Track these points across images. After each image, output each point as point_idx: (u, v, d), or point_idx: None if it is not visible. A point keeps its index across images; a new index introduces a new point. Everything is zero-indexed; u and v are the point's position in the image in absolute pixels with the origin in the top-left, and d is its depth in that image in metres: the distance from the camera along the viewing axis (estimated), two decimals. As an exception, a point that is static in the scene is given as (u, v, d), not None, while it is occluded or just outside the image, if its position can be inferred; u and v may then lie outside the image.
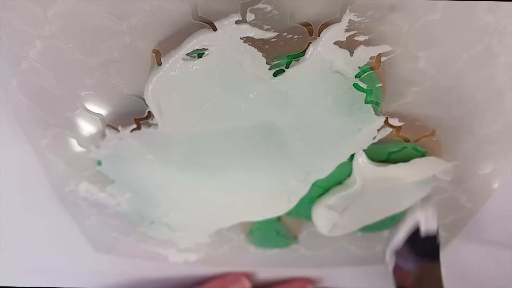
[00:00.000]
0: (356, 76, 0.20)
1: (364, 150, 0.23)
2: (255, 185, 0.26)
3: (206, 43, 0.18)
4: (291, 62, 0.19)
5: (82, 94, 0.22)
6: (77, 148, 0.25)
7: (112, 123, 0.23)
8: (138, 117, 0.22)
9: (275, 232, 0.30)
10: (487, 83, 0.21)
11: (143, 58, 0.20)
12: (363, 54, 0.19)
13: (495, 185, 0.27)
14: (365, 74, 0.20)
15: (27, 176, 0.27)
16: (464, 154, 0.24)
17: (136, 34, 0.19)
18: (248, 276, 0.34)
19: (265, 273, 0.35)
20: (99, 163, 0.25)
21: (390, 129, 0.22)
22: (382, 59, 0.19)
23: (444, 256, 0.33)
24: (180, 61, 0.19)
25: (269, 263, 0.34)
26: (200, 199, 0.27)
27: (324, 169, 0.24)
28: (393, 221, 0.28)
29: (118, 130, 0.23)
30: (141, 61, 0.20)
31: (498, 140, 0.24)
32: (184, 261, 0.34)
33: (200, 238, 0.31)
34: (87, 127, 0.23)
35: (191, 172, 0.25)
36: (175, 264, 0.34)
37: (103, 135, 0.23)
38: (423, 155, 0.24)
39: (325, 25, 0.18)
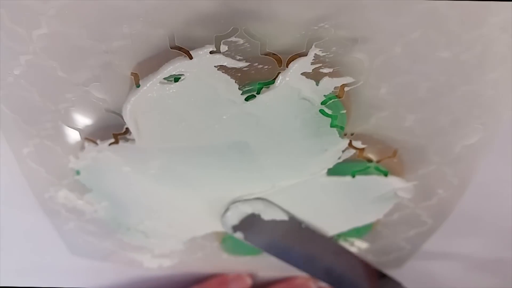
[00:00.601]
0: (322, 103, 0.21)
1: (330, 169, 0.25)
2: (227, 196, 0.27)
3: (182, 70, 0.19)
4: (262, 88, 0.20)
5: (63, 108, 0.23)
6: (57, 158, 0.26)
7: (91, 136, 0.24)
8: (117, 132, 0.23)
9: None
10: (447, 111, 0.22)
11: (122, 79, 0.21)
12: (328, 84, 0.20)
13: (456, 204, 0.29)
14: (331, 101, 0.21)
15: (10, 181, 0.28)
16: (424, 174, 0.26)
17: (115, 56, 0.20)
18: (250, 274, 0.34)
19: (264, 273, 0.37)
20: (78, 172, 0.26)
21: (354, 150, 0.24)
22: (346, 88, 0.20)
23: (409, 268, 0.35)
24: (158, 84, 0.20)
25: (267, 265, 0.35)
26: (174, 209, 0.28)
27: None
28: (358, 233, 0.30)
29: (96, 144, 0.24)
30: (120, 81, 0.21)
31: (459, 162, 0.25)
32: (158, 267, 0.35)
33: (174, 245, 0.32)
34: (67, 139, 0.24)
35: (166, 184, 0.26)
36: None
37: (82, 147, 0.24)
38: (385, 174, 0.25)
39: (293, 57, 0.19)
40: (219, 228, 0.30)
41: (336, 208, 0.27)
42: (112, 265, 0.35)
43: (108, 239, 0.32)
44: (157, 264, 0.34)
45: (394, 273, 0.35)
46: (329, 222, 0.29)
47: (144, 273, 0.36)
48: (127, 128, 0.23)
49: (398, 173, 0.25)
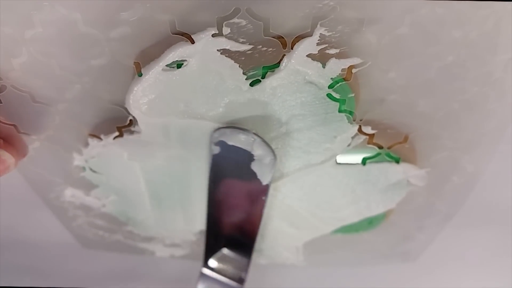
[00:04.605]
0: (329, 87, 0.20)
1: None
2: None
3: (185, 55, 0.19)
4: (266, 72, 0.20)
5: (63, 106, 0.22)
6: (59, 158, 0.25)
7: (95, 132, 0.23)
8: (120, 125, 0.23)
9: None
10: (458, 93, 0.22)
11: (123, 69, 0.20)
12: (335, 66, 0.20)
13: (471, 192, 0.28)
14: (338, 84, 0.20)
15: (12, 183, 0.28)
16: (437, 160, 0.25)
17: (116, 46, 0.19)
18: None
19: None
20: (84, 169, 0.26)
21: (364, 137, 0.23)
22: (354, 70, 0.20)
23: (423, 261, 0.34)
24: (160, 71, 0.20)
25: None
26: (183, 200, 0.28)
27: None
28: (370, 224, 0.29)
29: (100, 139, 0.23)
30: (122, 72, 0.20)
31: (473, 148, 0.25)
32: (170, 256, 0.34)
33: (185, 236, 0.32)
34: (69, 138, 0.24)
35: (173, 175, 0.26)
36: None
37: (86, 144, 0.24)
38: (397, 161, 0.24)
39: (298, 38, 0.19)
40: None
41: (347, 198, 0.27)
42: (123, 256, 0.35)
43: (118, 231, 0.31)
44: (168, 253, 0.34)
45: (407, 264, 0.35)
46: (340, 213, 0.28)
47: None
48: (131, 120, 0.22)
49: (410, 159, 0.25)
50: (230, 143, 0.23)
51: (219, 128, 0.22)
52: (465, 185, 0.27)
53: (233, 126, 0.22)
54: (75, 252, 0.34)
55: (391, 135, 0.23)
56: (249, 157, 0.23)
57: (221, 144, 0.23)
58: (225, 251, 0.28)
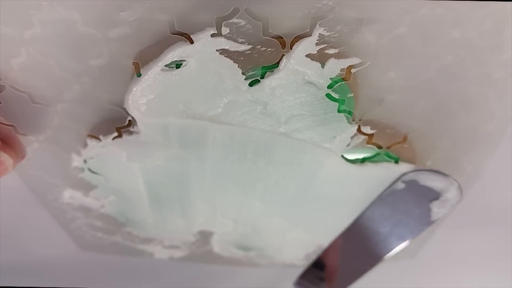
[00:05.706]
0: (329, 87, 0.20)
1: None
2: (232, 188, 0.27)
3: (184, 55, 0.19)
4: (266, 73, 0.20)
5: (62, 106, 0.22)
6: (58, 159, 0.25)
7: (93, 133, 0.23)
8: (119, 125, 0.23)
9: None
10: (457, 93, 0.22)
11: (122, 70, 0.20)
12: (334, 66, 0.20)
13: (468, 192, 0.28)
14: (337, 84, 0.20)
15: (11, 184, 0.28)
16: (436, 160, 0.25)
17: (115, 46, 0.19)
18: None
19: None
20: (82, 169, 0.26)
21: (363, 137, 0.23)
22: (353, 70, 0.20)
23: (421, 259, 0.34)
24: (159, 71, 0.20)
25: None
26: (182, 200, 0.28)
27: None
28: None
29: (99, 140, 0.23)
30: (121, 72, 0.20)
31: (472, 148, 0.25)
32: (169, 258, 0.34)
33: (184, 237, 0.32)
34: (68, 139, 0.24)
35: (173, 176, 0.26)
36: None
37: (85, 144, 0.24)
38: (396, 161, 0.24)
39: (297, 39, 0.19)
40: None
41: (345, 197, 0.27)
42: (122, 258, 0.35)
43: (117, 233, 0.31)
44: (167, 255, 0.34)
45: (406, 264, 0.34)
46: (338, 212, 0.28)
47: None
48: (130, 121, 0.22)
49: (409, 159, 0.25)
50: (423, 184, 0.24)
51: (416, 170, 0.23)
52: (465, 185, 0.27)
53: (434, 170, 0.23)
54: (74, 254, 0.34)
55: (390, 135, 0.23)
56: (435, 196, 0.24)
57: (411, 183, 0.24)
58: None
